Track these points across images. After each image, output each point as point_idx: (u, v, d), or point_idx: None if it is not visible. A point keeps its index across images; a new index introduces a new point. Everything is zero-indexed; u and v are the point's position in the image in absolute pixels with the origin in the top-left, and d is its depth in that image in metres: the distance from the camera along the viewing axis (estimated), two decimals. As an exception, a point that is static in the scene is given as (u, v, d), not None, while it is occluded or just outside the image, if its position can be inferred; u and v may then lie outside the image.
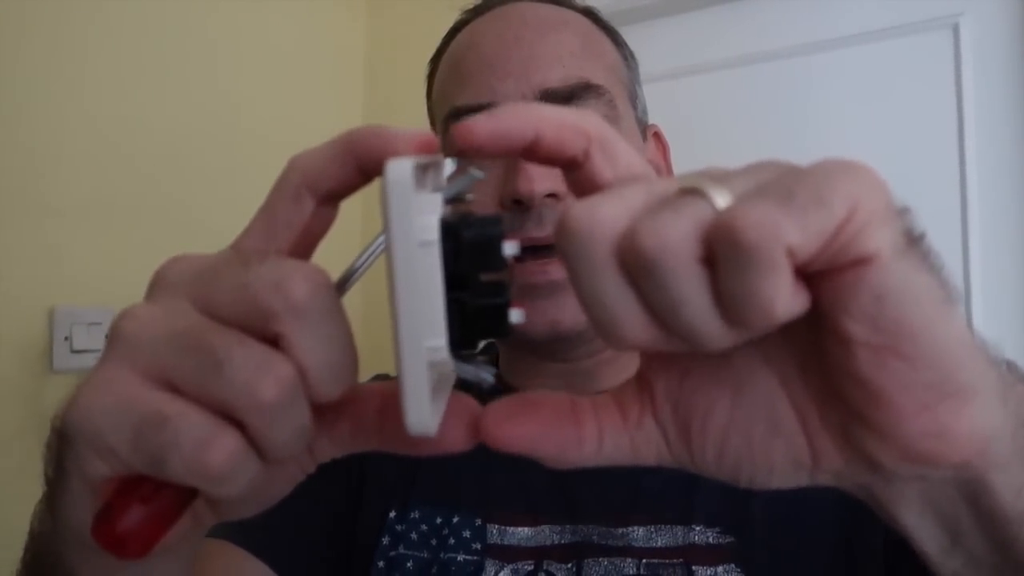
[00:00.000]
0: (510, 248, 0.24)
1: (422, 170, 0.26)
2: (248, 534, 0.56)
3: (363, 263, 0.27)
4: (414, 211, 0.23)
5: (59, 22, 1.15)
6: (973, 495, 0.26)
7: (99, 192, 1.19)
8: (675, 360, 0.26)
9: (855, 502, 0.53)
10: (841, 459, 0.24)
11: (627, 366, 0.61)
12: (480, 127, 0.25)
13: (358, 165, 0.26)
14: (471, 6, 0.65)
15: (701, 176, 0.22)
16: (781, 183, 0.20)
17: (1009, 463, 0.25)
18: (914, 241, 0.22)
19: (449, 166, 0.28)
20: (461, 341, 0.24)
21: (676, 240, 0.20)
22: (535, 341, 0.58)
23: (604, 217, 0.21)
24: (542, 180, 0.53)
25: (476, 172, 0.27)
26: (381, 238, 0.26)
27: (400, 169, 0.23)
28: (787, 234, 0.19)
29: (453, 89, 0.60)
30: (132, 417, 0.24)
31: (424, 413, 0.24)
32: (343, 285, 0.26)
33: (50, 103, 1.14)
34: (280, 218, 0.27)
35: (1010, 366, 0.26)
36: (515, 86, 0.56)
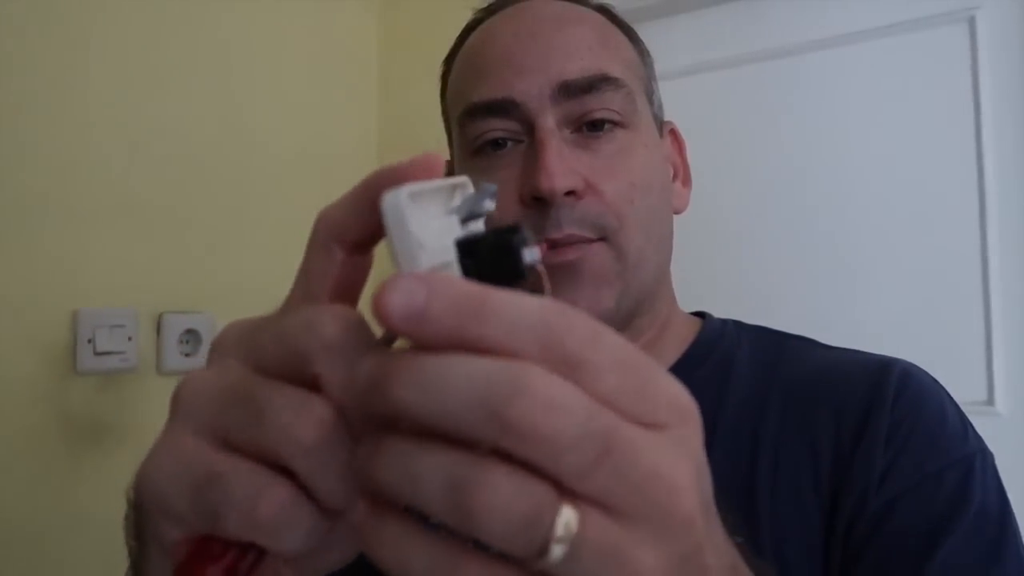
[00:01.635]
0: (530, 255, 0.24)
1: (433, 195, 0.26)
2: None
3: None
4: (415, 239, 0.23)
5: (82, 27, 1.17)
6: None
7: (122, 196, 1.20)
8: None
9: (842, 489, 0.53)
10: None
11: (662, 354, 0.61)
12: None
13: (376, 211, 0.26)
14: (485, 5, 0.65)
15: None
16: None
17: None
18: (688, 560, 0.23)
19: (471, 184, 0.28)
20: None
21: None
22: None
23: None
24: (563, 177, 0.53)
25: (489, 185, 0.27)
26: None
27: (393, 201, 0.23)
28: None
29: (469, 86, 0.59)
30: (189, 478, 0.25)
31: None
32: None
33: (72, 108, 1.15)
34: (314, 272, 0.28)
35: None
36: (533, 80, 0.55)
